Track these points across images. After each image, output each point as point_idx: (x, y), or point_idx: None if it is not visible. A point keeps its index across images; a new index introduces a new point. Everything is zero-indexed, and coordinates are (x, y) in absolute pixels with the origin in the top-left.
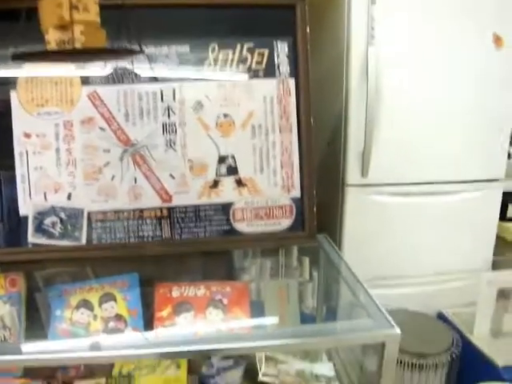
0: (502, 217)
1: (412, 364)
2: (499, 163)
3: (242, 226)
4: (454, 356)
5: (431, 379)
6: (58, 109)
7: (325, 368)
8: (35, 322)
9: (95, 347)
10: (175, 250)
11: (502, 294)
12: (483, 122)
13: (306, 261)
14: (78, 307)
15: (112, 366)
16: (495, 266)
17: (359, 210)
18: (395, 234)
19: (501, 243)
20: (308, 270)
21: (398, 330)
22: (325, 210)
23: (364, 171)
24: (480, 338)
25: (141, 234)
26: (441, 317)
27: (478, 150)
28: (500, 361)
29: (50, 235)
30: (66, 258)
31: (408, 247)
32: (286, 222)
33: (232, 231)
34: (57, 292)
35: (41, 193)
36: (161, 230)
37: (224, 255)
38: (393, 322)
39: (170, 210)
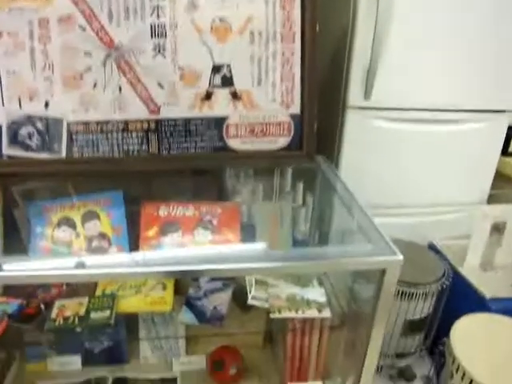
0: (504, 151)
1: (402, 292)
2: (509, 94)
3: (235, 143)
4: (444, 286)
5: (419, 308)
6: (33, 4)
7: (316, 293)
8: (14, 240)
9: (79, 265)
10: (162, 167)
11: (496, 228)
12: (497, 51)
13: (301, 184)
14: (59, 225)
15: (95, 286)
16: (492, 200)
17: (359, 135)
18: (394, 162)
19: (499, 178)
20: (302, 193)
21: (400, 257)
22: (322, 134)
23: (367, 93)
24: (469, 270)
25: (125, 148)
26: (431, 248)
27: (488, 79)
28: (488, 293)
29: (27, 147)
30: (45, 172)
31: (406, 176)
32: (283, 140)
33: (224, 148)
34: (37, 209)
35: (15, 100)
36: (147, 144)
37: (215, 175)
38: (395, 248)
39: (157, 122)
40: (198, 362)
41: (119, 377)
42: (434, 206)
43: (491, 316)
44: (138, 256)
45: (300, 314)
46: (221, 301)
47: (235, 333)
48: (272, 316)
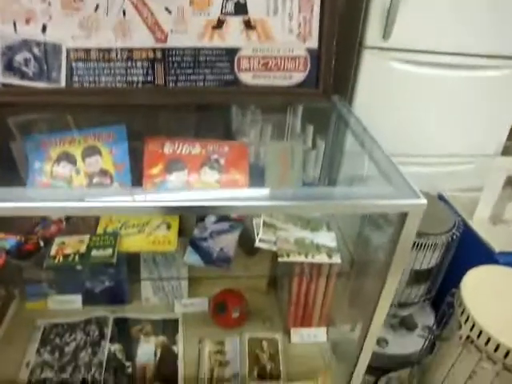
0: None
1: (414, 243)
2: None
3: (247, 77)
4: (453, 237)
5: (427, 259)
6: None
7: (327, 238)
8: (11, 175)
9: (80, 197)
10: (169, 101)
11: (510, 182)
12: None
13: (316, 124)
14: (58, 160)
15: (96, 224)
16: (507, 152)
17: (375, 78)
18: (408, 108)
19: None
20: (316, 134)
21: (424, 201)
22: (336, 75)
23: (386, 33)
24: (479, 222)
25: (129, 78)
26: (440, 199)
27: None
28: (496, 246)
29: (23, 74)
30: (43, 102)
31: (418, 123)
32: (298, 76)
33: (235, 82)
34: (34, 143)
35: (9, 22)
36: (153, 75)
37: (224, 112)
38: (418, 192)
39: (164, 51)
40: (200, 304)
41: (120, 317)
42: (445, 157)
43: (503, 269)
44: (141, 191)
45: (309, 259)
46: (227, 242)
47: (239, 276)
48: (280, 260)
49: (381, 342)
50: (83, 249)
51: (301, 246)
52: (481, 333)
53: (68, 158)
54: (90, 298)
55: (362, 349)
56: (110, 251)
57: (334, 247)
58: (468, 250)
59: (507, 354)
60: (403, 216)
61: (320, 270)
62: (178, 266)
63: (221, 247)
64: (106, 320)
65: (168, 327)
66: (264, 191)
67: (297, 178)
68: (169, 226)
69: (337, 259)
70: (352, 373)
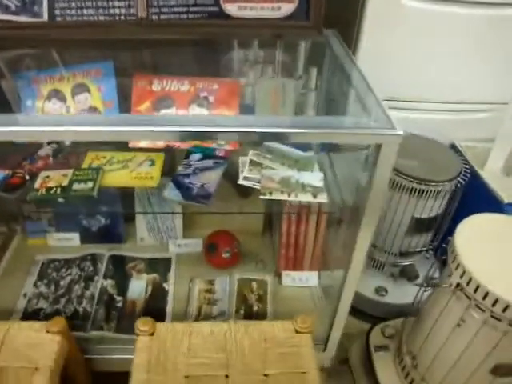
0: None
1: (411, 189)
2: None
3: (232, 8)
4: (457, 186)
5: (429, 207)
6: None
7: (314, 178)
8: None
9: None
10: (151, 34)
11: None
12: None
13: (306, 59)
14: (49, 97)
15: (83, 160)
16: None
17: (384, 14)
18: (420, 49)
19: None
20: (306, 70)
21: (399, 132)
22: (341, 8)
23: None
24: (490, 173)
25: (112, 11)
26: (453, 148)
27: None
28: (506, 197)
29: (6, 8)
30: (27, 36)
31: (431, 66)
32: (287, 8)
33: (220, 14)
34: (25, 81)
35: None
36: (135, 7)
37: (213, 47)
38: (395, 123)
39: None
40: (195, 245)
41: (115, 254)
42: (459, 103)
43: (500, 217)
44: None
45: (292, 198)
46: (209, 179)
47: (235, 219)
48: (262, 197)
49: (380, 290)
50: (66, 182)
51: (285, 185)
52: (470, 280)
53: (58, 95)
54: (87, 237)
55: (342, 291)
56: (90, 185)
57: (321, 187)
58: (477, 201)
59: (495, 302)
60: (378, 148)
61: (309, 211)
62: (172, 206)
63: (202, 184)
64: (101, 257)
65: (161, 266)
66: (236, 118)
67: (288, 115)
68: (153, 163)
69: (322, 199)
70: (334, 315)
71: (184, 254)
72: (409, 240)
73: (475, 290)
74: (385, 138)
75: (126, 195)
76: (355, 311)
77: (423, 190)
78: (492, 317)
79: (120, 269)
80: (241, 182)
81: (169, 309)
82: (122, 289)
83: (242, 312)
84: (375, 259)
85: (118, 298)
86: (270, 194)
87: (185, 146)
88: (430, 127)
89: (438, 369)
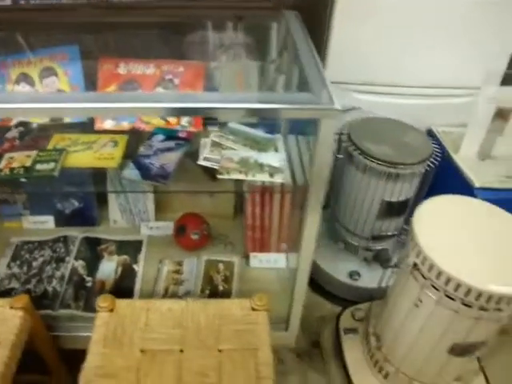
0: None
1: (381, 172)
2: None
3: None
4: (428, 168)
5: (398, 190)
6: None
7: (273, 158)
8: None
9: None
10: (112, 15)
11: (501, 114)
12: None
13: (268, 40)
14: (18, 81)
15: (48, 141)
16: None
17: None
18: (394, 32)
19: None
20: (267, 50)
21: (336, 106)
22: None
23: None
24: (465, 158)
25: None
26: (430, 134)
27: None
28: (477, 181)
29: None
30: None
31: (406, 50)
32: None
33: None
34: None
35: None
36: None
37: (177, 30)
38: (334, 99)
39: None
40: (166, 227)
41: (87, 236)
42: (436, 88)
43: (465, 198)
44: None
45: (249, 177)
46: (169, 160)
47: (206, 202)
48: (219, 177)
49: (354, 275)
50: (29, 163)
51: (243, 165)
52: (425, 259)
53: (26, 79)
54: (62, 220)
55: (297, 271)
56: (52, 165)
57: (279, 167)
58: (450, 185)
59: (448, 281)
60: (318, 124)
61: (272, 192)
62: (142, 188)
63: (162, 164)
64: (74, 239)
65: (132, 248)
66: (178, 95)
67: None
68: (116, 144)
69: (279, 179)
70: (292, 296)
71: (155, 237)
72: (380, 224)
73: (429, 269)
74: (323, 113)
75: (99, 178)
76: (329, 295)
77: (392, 173)
78: (446, 296)
79: (92, 250)
80: (200, 162)
81: (137, 289)
82: (93, 270)
83: (207, 292)
84: (348, 243)
85: (88, 279)
86: (228, 173)
87: (149, 128)
88: (409, 112)
89: (399, 349)
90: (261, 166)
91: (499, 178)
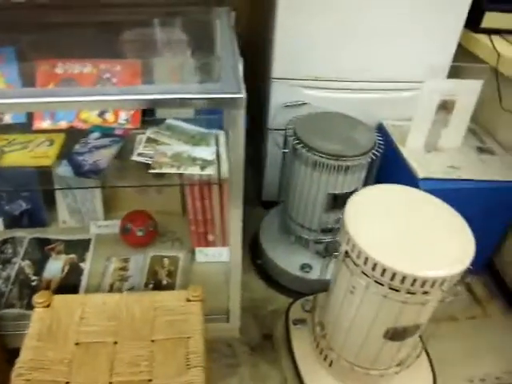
0: (474, 26)
1: (323, 164)
2: None
3: None
4: (370, 160)
5: (340, 181)
6: None
7: (206, 152)
8: None
9: None
10: (49, 16)
11: (444, 106)
12: None
13: (201, 36)
14: None
15: None
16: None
17: None
18: (340, 26)
19: (468, 57)
20: (199, 46)
21: (241, 95)
22: None
23: None
24: (411, 150)
25: None
26: (380, 128)
27: None
28: (421, 172)
29: None
30: None
31: (351, 44)
32: None
33: None
34: None
35: None
36: None
37: (112, 30)
38: (241, 86)
39: None
40: (114, 225)
41: (36, 237)
42: (384, 81)
43: (398, 187)
44: None
45: (181, 171)
46: (103, 156)
47: (154, 200)
48: (150, 171)
49: (305, 267)
50: None
51: (176, 160)
52: (354, 246)
53: None
54: (11, 221)
55: (230, 263)
56: None
57: (211, 160)
58: (396, 177)
59: (375, 266)
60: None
61: (210, 187)
62: (91, 190)
63: (95, 160)
64: (22, 240)
65: (80, 246)
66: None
67: None
68: (51, 143)
69: (209, 171)
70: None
71: (104, 235)
72: (328, 216)
73: (358, 256)
74: (228, 103)
75: (46, 178)
76: (283, 289)
77: (335, 166)
78: (375, 281)
79: (39, 251)
80: (134, 158)
81: (82, 286)
82: (39, 269)
83: (150, 286)
84: (300, 237)
85: (34, 278)
86: (160, 167)
87: (87, 126)
88: (360, 107)
89: (338, 336)
90: (193, 160)
91: (444, 169)
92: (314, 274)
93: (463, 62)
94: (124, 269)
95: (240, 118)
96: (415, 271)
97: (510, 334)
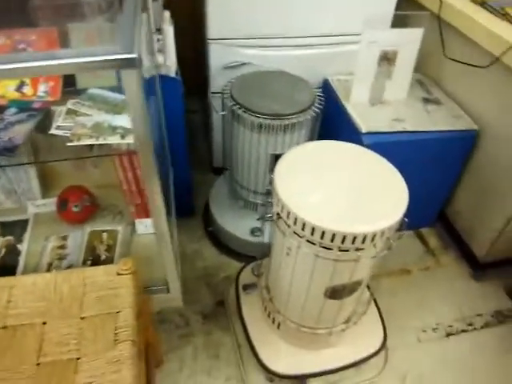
0: None
1: (261, 125)
2: None
3: None
4: (311, 117)
5: (281, 141)
6: None
7: (124, 120)
8: None
9: None
10: None
11: (386, 58)
12: None
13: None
14: None
15: None
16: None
17: None
18: None
19: (412, 7)
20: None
21: (133, 55)
22: None
23: None
24: (355, 104)
25: None
26: (325, 84)
27: None
28: (364, 127)
29: None
30: None
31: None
32: None
33: None
34: None
35: None
36: None
37: None
38: (135, 49)
39: None
40: (52, 204)
41: None
42: (326, 35)
43: (330, 143)
44: None
45: (100, 141)
46: (19, 132)
47: (92, 174)
48: (69, 144)
49: (255, 231)
50: None
51: (96, 130)
52: (283, 207)
53: None
54: None
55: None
56: None
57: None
58: (341, 132)
59: (304, 226)
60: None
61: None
62: (25, 168)
63: (10, 137)
64: None
65: (18, 227)
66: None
67: None
68: None
69: (130, 139)
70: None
71: (43, 214)
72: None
73: (288, 217)
74: (119, 63)
75: None
76: (235, 254)
77: (274, 126)
78: (307, 241)
79: None
80: (52, 131)
81: (20, 267)
82: None
83: (88, 262)
84: (248, 201)
85: None
86: (79, 139)
87: (3, 101)
88: (304, 64)
89: (282, 298)
90: (113, 129)
91: (388, 122)
92: (264, 238)
93: (408, 11)
94: (62, 247)
95: (135, 78)
96: (343, 228)
97: (461, 281)
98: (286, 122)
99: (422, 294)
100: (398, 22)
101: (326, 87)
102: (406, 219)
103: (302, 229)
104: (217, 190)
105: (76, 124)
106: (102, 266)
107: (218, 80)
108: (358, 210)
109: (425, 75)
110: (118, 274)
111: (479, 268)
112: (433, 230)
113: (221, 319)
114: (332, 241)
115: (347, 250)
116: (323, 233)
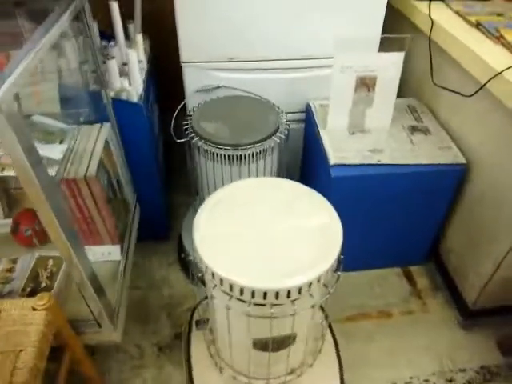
0: None
1: (224, 156)
2: None
3: None
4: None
5: (253, 170)
6: None
7: (55, 150)
8: None
9: None
10: None
11: (364, 84)
12: None
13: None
14: None
15: None
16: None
17: None
18: (258, 6)
19: (406, 28)
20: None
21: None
22: None
23: None
24: (332, 132)
25: None
26: (308, 109)
27: None
28: (333, 157)
29: None
30: None
31: (267, 19)
32: None
33: None
34: None
35: None
36: None
37: None
38: None
39: None
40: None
41: None
42: (305, 59)
43: (258, 181)
44: None
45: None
46: None
47: None
48: None
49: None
50: None
51: None
52: (207, 268)
53: None
54: None
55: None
56: None
57: (58, 159)
58: (316, 162)
59: (221, 281)
60: None
61: (76, 184)
62: None
63: None
64: None
65: None
66: None
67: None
68: None
69: (52, 172)
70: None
71: (3, 234)
72: None
73: (213, 277)
74: None
75: None
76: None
77: (230, 156)
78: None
79: None
80: None
81: None
82: None
83: (28, 289)
84: None
85: None
86: (2, 170)
87: None
88: (285, 88)
89: (221, 344)
90: None
91: (363, 154)
92: None
93: (405, 33)
94: (11, 270)
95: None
96: (274, 284)
97: (447, 329)
98: (247, 151)
99: (400, 341)
100: (387, 44)
101: (308, 112)
102: (343, 256)
103: (221, 284)
104: (191, 215)
105: (5, 153)
106: (22, 299)
107: (193, 103)
108: (286, 261)
109: (420, 101)
110: (33, 310)
111: (469, 315)
112: (423, 268)
113: (176, 353)
114: (264, 298)
115: (282, 304)
116: (253, 292)
